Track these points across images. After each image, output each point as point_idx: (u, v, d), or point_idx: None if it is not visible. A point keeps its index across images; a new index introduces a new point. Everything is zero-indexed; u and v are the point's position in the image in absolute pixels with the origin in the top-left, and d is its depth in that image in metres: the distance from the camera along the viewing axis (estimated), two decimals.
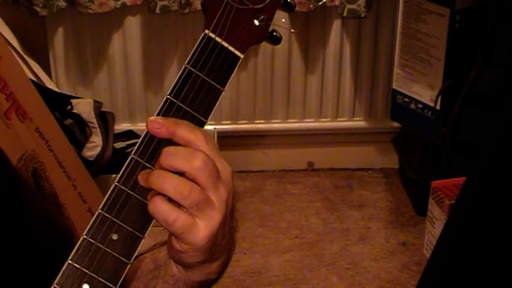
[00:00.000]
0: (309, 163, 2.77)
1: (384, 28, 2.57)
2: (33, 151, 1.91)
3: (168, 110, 0.76)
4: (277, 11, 0.80)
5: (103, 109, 2.44)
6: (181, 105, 0.76)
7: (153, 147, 0.75)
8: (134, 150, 0.75)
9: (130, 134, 2.56)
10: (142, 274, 0.83)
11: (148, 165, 0.75)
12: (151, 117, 0.75)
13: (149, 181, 0.73)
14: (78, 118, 2.33)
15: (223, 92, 0.77)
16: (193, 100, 0.77)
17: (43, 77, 2.41)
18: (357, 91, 2.66)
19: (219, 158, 0.75)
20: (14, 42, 2.35)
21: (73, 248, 0.74)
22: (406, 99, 2.38)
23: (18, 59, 2.20)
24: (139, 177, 0.74)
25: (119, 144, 2.49)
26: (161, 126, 0.74)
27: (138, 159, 0.75)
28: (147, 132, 0.75)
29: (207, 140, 0.74)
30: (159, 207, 0.73)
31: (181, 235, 0.73)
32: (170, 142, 0.75)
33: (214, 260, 0.78)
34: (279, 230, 2.47)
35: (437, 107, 2.26)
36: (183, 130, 0.74)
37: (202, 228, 0.73)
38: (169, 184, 0.72)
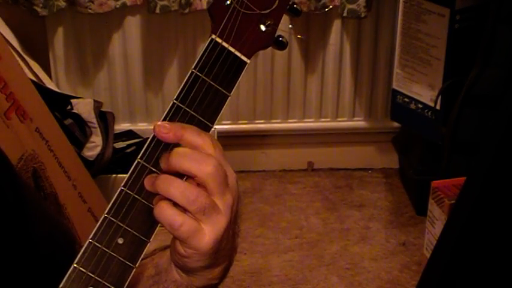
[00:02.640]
0: (309, 163, 2.78)
1: (384, 28, 2.57)
2: (33, 151, 1.91)
3: (174, 115, 0.76)
4: (283, 16, 0.80)
5: (103, 109, 2.44)
6: (187, 109, 0.76)
7: (160, 151, 0.75)
8: (140, 154, 0.75)
9: (130, 134, 2.56)
10: (143, 280, 0.83)
11: (154, 169, 0.75)
12: (159, 122, 0.75)
13: (155, 186, 0.73)
14: (78, 118, 2.33)
15: (229, 97, 0.77)
16: (200, 105, 0.77)
17: (43, 77, 2.41)
18: (357, 91, 2.66)
19: (225, 164, 0.75)
20: (14, 42, 2.35)
21: (74, 250, 0.74)
22: (406, 99, 2.38)
23: (18, 59, 2.20)
24: (145, 182, 0.74)
25: (119, 144, 2.49)
26: (168, 130, 0.74)
27: (145, 163, 0.75)
28: (154, 137, 0.75)
29: (214, 145, 0.75)
30: (164, 211, 0.73)
31: (187, 240, 0.73)
32: (177, 147, 0.75)
33: (217, 265, 0.79)
34: (279, 230, 2.47)
35: (437, 107, 2.26)
36: (190, 134, 0.74)
37: (207, 233, 0.73)
38: (176, 189, 0.72)
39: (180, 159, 0.73)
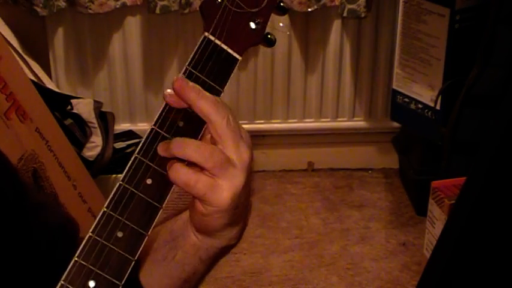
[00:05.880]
0: (309, 163, 2.78)
1: (383, 28, 2.57)
2: (33, 151, 1.91)
3: (170, 110, 0.77)
4: (273, 15, 0.83)
5: (103, 109, 2.44)
6: None
7: (156, 145, 0.77)
8: (138, 149, 0.76)
9: (130, 134, 2.56)
10: (160, 245, 0.85)
11: (151, 164, 0.76)
12: (169, 90, 0.76)
13: (170, 149, 0.75)
14: (78, 118, 2.33)
15: (222, 93, 0.79)
16: None
17: (43, 77, 2.41)
18: (357, 91, 2.66)
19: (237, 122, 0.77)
20: (14, 42, 2.35)
21: (76, 246, 0.75)
22: (406, 99, 2.38)
23: (18, 59, 2.20)
24: (159, 148, 0.76)
25: (119, 144, 2.49)
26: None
27: (142, 158, 0.76)
28: (150, 132, 0.76)
29: (223, 106, 0.77)
30: (179, 171, 0.74)
31: (205, 196, 0.75)
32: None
33: (236, 223, 0.80)
34: (279, 230, 2.47)
35: (437, 107, 2.26)
36: (202, 101, 0.76)
37: (225, 188, 0.75)
38: (191, 148, 0.74)
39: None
